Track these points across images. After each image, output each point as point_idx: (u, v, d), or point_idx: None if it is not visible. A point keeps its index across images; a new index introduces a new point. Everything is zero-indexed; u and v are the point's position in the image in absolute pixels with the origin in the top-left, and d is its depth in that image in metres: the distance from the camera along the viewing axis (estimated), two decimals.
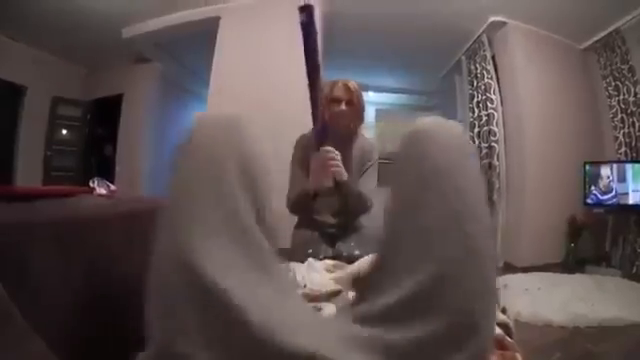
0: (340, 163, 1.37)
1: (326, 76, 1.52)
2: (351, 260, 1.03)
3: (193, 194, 0.47)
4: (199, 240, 0.43)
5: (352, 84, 1.55)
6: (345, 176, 1.39)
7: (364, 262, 0.92)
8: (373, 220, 1.57)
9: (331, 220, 1.58)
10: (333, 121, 1.46)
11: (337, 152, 1.36)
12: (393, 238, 0.50)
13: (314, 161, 1.38)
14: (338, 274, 0.95)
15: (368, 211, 1.55)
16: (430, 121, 0.57)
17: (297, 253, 1.31)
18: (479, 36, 4.08)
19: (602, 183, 3.52)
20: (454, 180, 0.49)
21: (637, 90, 3.44)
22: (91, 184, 1.03)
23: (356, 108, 1.56)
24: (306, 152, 1.49)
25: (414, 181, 0.51)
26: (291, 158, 1.61)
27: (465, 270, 0.43)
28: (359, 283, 0.52)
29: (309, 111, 1.24)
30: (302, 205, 1.52)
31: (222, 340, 0.37)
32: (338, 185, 1.40)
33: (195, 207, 0.46)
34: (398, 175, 0.54)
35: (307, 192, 1.45)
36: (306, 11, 0.87)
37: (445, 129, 0.56)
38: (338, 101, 1.51)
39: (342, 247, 1.43)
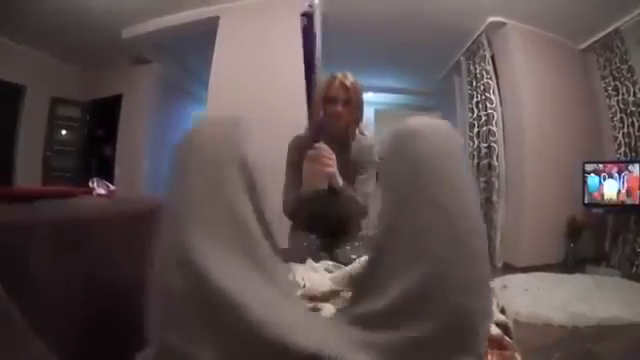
0: (334, 164, 1.28)
1: (325, 76, 1.48)
2: (348, 263, 1.02)
3: (194, 194, 0.48)
4: (200, 239, 0.43)
5: (350, 81, 1.44)
6: (339, 181, 1.31)
7: (362, 262, 0.91)
8: (371, 223, 1.53)
9: (328, 225, 1.51)
10: (329, 123, 1.39)
11: (331, 151, 1.27)
12: (386, 239, 0.50)
13: (307, 160, 1.28)
14: (336, 274, 0.95)
15: (364, 217, 1.47)
16: (419, 121, 0.56)
17: (294, 257, 1.23)
18: (478, 36, 4.08)
19: (601, 183, 3.52)
20: (445, 180, 0.49)
21: (636, 90, 3.45)
22: (90, 184, 1.03)
23: (354, 107, 1.46)
24: (300, 154, 1.36)
25: (405, 182, 0.51)
26: (286, 161, 1.53)
27: (457, 269, 0.44)
28: (355, 283, 0.52)
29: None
30: (298, 210, 1.44)
31: (224, 340, 0.37)
32: (332, 189, 1.32)
33: (196, 206, 0.46)
34: (389, 176, 0.54)
35: (300, 197, 1.36)
36: (307, 17, 0.94)
37: (434, 129, 0.55)
38: (334, 101, 1.42)
39: (339, 252, 1.37)
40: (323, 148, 1.26)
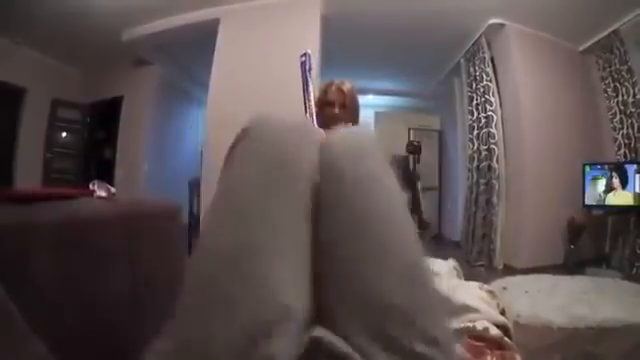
0: None
1: (325, 78, 1.55)
2: None
3: (264, 193, 0.46)
4: (263, 243, 0.42)
5: (346, 86, 1.54)
6: None
7: None
8: None
9: None
10: (326, 125, 1.46)
11: (323, 132, 1.34)
12: (316, 252, 0.49)
13: None
14: None
15: None
16: (336, 133, 0.57)
17: None
18: (478, 38, 4.09)
19: (601, 184, 3.52)
20: (357, 184, 0.49)
21: (636, 91, 3.45)
22: (91, 186, 1.03)
23: (350, 111, 1.54)
24: None
25: (323, 191, 0.50)
26: None
27: (373, 264, 0.44)
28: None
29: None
30: None
31: (247, 347, 0.36)
32: None
33: (266, 206, 0.45)
34: (314, 191, 0.52)
35: None
36: (306, 55, 1.28)
37: (346, 137, 0.56)
38: (331, 104, 1.51)
39: None
40: (320, 130, 1.32)
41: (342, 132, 0.58)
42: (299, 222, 0.46)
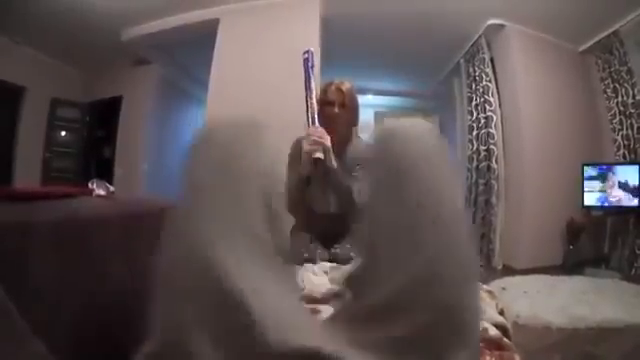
0: (329, 141, 1.39)
1: (325, 79, 1.56)
2: (348, 262, 1.03)
3: (212, 193, 0.48)
4: (217, 239, 0.43)
5: (345, 86, 1.55)
6: (333, 161, 1.41)
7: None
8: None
9: (327, 222, 1.56)
10: (326, 124, 1.46)
11: (326, 133, 1.39)
12: (373, 239, 0.51)
13: (306, 134, 1.41)
14: (333, 274, 0.96)
15: (352, 207, 1.50)
16: (399, 123, 0.58)
17: (293, 259, 1.29)
18: (477, 39, 4.09)
19: (600, 185, 3.52)
20: (426, 182, 0.50)
21: (635, 92, 3.45)
22: (90, 185, 1.03)
23: (349, 111, 1.56)
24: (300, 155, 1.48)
25: (387, 184, 0.52)
26: (287, 162, 1.59)
27: (443, 268, 0.44)
28: (348, 283, 0.53)
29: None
30: (299, 199, 1.52)
31: (229, 340, 0.36)
32: (326, 170, 1.41)
33: (214, 205, 0.47)
34: (371, 178, 0.54)
35: (301, 176, 1.47)
36: (309, 52, 1.38)
37: (413, 130, 0.57)
38: (331, 104, 1.52)
39: (338, 249, 1.43)
40: (320, 128, 1.39)
41: (407, 125, 0.58)
42: (248, 222, 0.47)
